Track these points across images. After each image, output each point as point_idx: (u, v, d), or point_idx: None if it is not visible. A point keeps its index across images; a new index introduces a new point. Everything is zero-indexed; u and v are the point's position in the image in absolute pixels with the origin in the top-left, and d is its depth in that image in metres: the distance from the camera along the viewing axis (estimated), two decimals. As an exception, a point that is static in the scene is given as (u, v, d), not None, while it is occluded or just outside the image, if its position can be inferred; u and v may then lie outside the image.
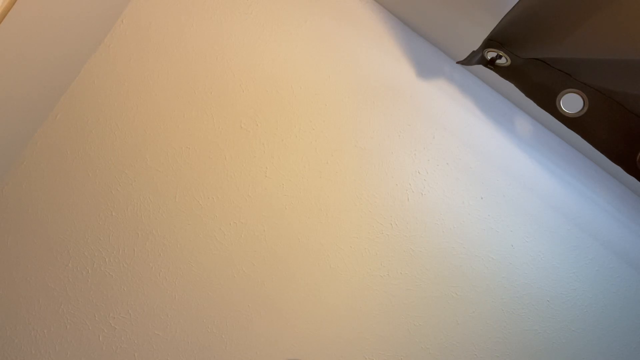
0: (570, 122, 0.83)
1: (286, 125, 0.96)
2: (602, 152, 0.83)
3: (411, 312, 0.99)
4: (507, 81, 0.87)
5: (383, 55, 1.03)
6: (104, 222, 0.87)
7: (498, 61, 0.85)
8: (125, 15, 0.91)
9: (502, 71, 0.86)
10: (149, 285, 0.87)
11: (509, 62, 0.83)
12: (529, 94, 0.85)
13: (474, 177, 1.05)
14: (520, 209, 1.06)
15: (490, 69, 0.87)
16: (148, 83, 0.90)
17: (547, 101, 0.84)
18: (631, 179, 1.07)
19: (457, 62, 0.93)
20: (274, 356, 0.92)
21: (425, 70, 1.05)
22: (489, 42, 0.82)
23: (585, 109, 0.80)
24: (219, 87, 0.93)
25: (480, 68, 1.02)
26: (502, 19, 0.76)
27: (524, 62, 0.82)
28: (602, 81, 0.76)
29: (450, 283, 1.01)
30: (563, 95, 0.81)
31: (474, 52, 0.87)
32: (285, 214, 0.94)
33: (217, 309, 0.90)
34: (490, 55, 0.85)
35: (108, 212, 0.87)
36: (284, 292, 0.93)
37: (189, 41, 0.93)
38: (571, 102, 0.81)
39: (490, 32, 0.80)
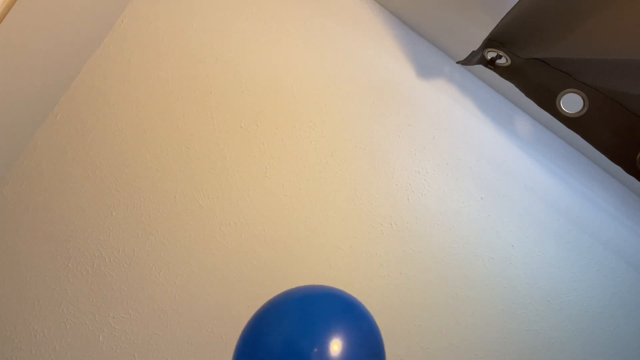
0: (570, 122, 0.83)
1: (286, 126, 0.96)
2: (602, 152, 0.83)
3: (411, 312, 0.99)
4: (507, 81, 0.87)
5: (383, 56, 1.03)
6: (104, 222, 0.87)
7: (498, 61, 0.85)
8: (125, 15, 0.91)
9: (502, 71, 0.86)
10: (149, 285, 0.87)
11: (509, 62, 0.83)
12: (529, 94, 0.86)
13: (474, 177, 1.05)
14: (520, 209, 1.06)
15: (490, 69, 0.87)
16: (148, 83, 0.90)
17: (547, 101, 0.84)
18: (631, 179, 1.07)
19: (457, 62, 0.93)
20: (274, 356, 0.92)
21: (425, 70, 1.05)
22: (489, 42, 0.82)
23: (585, 109, 0.80)
24: (219, 87, 0.93)
25: (480, 68, 1.02)
26: (502, 19, 0.76)
27: (524, 62, 0.82)
28: (602, 81, 0.76)
29: (450, 283, 1.01)
30: (563, 95, 0.81)
31: (474, 52, 0.87)
32: (285, 214, 0.94)
33: (217, 309, 0.89)
34: (490, 55, 0.85)
35: (108, 212, 0.87)
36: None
37: (189, 41, 0.93)
38: (571, 102, 0.81)
39: (490, 32, 0.80)
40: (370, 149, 1.00)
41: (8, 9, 0.60)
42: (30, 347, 0.82)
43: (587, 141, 0.84)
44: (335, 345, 0.48)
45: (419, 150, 1.03)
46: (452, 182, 1.03)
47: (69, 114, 0.87)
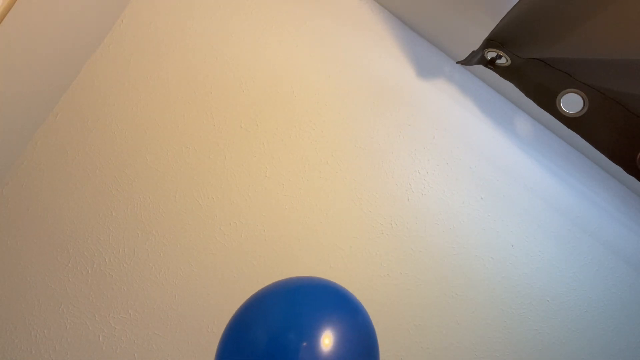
0: (570, 122, 0.83)
1: (286, 125, 0.96)
2: (602, 152, 0.83)
3: (411, 312, 0.99)
4: (507, 81, 0.87)
5: (383, 55, 1.03)
6: (104, 222, 0.87)
7: (498, 61, 0.85)
8: (125, 15, 0.91)
9: (502, 71, 0.86)
10: (149, 285, 0.87)
11: (509, 62, 0.83)
12: (529, 94, 0.86)
13: (474, 177, 1.05)
14: (520, 209, 1.06)
15: (490, 69, 0.87)
16: (148, 83, 0.90)
17: (547, 101, 0.84)
18: (631, 179, 1.07)
19: (457, 62, 0.93)
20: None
21: (425, 70, 1.05)
22: (489, 42, 0.82)
23: (585, 109, 0.80)
24: (219, 87, 0.93)
25: (480, 68, 1.02)
26: (502, 19, 0.76)
27: (524, 62, 0.82)
28: (602, 81, 0.76)
29: (450, 283, 1.01)
30: (563, 95, 0.81)
31: (474, 52, 0.87)
32: (285, 214, 0.94)
33: (217, 309, 0.89)
34: (490, 55, 0.85)
35: (108, 212, 0.87)
36: (284, 292, 0.93)
37: (189, 41, 0.93)
38: (571, 102, 0.81)
39: (490, 32, 0.80)
40: (370, 149, 1.00)
41: (8, 9, 0.60)
42: (30, 347, 0.82)
43: (587, 141, 0.84)
44: (327, 339, 0.44)
45: (419, 150, 1.03)
46: (452, 182, 1.03)
47: (69, 114, 0.87)
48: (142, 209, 0.88)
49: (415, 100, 1.04)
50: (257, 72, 0.95)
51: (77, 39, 0.82)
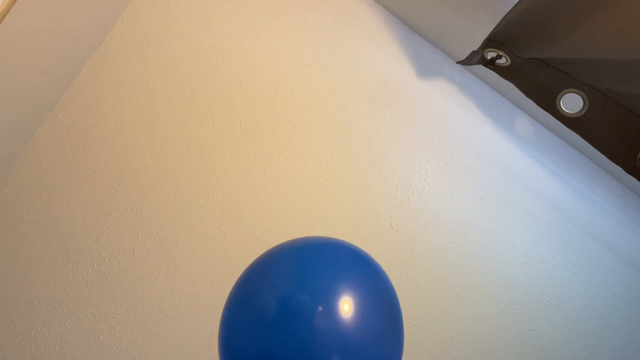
0: (570, 122, 0.83)
1: (286, 125, 0.96)
2: (602, 152, 0.83)
3: (411, 312, 0.99)
4: (507, 81, 0.87)
5: (383, 55, 1.03)
6: (104, 222, 0.87)
7: (498, 61, 0.85)
8: (125, 15, 0.91)
9: (502, 71, 0.86)
10: (149, 285, 0.87)
11: (509, 62, 0.83)
12: (529, 94, 0.86)
13: (474, 177, 1.04)
14: (520, 209, 1.06)
15: (490, 69, 0.87)
16: (148, 83, 0.90)
17: (547, 101, 0.84)
18: (631, 179, 1.07)
19: (457, 62, 0.93)
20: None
21: (425, 70, 1.05)
22: (489, 42, 0.82)
23: (585, 109, 0.80)
24: (219, 87, 0.93)
25: (480, 68, 1.02)
26: (502, 19, 0.76)
27: (524, 62, 0.82)
28: (602, 81, 0.76)
29: (450, 283, 1.01)
30: (563, 95, 0.81)
31: (474, 52, 0.87)
32: (285, 213, 0.94)
33: (217, 309, 0.89)
34: (490, 55, 0.85)
35: (108, 212, 0.87)
36: (284, 292, 0.93)
37: (188, 41, 0.93)
38: (571, 102, 0.81)
39: (490, 32, 0.80)
40: (370, 149, 1.00)
41: (8, 9, 0.60)
42: (31, 348, 0.82)
43: (587, 141, 0.84)
44: (346, 305, 0.37)
45: (419, 150, 1.02)
46: (452, 182, 1.03)
47: (69, 114, 0.87)
48: (142, 209, 0.88)
49: (415, 100, 1.03)
50: (257, 72, 0.95)
51: (77, 39, 0.82)
